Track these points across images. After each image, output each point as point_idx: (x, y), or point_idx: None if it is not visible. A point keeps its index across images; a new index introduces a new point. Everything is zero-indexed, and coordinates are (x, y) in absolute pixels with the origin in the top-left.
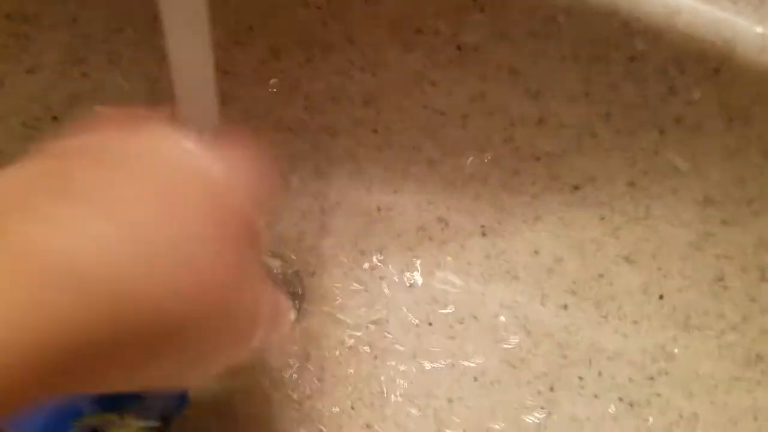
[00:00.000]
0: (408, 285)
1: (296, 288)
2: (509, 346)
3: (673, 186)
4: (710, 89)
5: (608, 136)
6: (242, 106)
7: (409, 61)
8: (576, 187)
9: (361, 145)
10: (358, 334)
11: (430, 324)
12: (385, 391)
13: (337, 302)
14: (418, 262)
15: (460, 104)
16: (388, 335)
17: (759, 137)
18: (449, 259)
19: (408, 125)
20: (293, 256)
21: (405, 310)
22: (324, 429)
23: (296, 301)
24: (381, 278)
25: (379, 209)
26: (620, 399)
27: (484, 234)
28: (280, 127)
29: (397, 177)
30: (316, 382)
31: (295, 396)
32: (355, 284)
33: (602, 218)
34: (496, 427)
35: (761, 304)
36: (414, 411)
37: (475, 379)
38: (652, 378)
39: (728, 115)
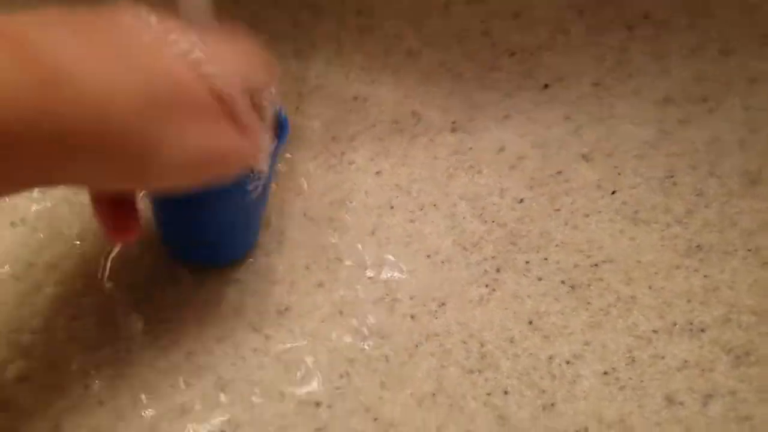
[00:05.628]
0: (375, 172)
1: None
2: (463, 232)
3: (637, 86)
4: None
5: (580, 33)
6: None
7: None
8: (546, 86)
9: (343, 28)
10: (321, 207)
11: (391, 207)
12: (341, 259)
13: (304, 179)
14: (388, 151)
15: None
16: (350, 212)
17: (719, 33)
18: (417, 151)
19: (392, 10)
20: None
21: (369, 192)
22: (277, 283)
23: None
24: (350, 163)
25: (355, 98)
26: (563, 282)
27: (453, 130)
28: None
29: (376, 66)
30: (275, 243)
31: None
32: (323, 165)
33: (567, 118)
34: (441, 296)
35: (706, 198)
36: (366, 277)
37: (428, 256)
38: (596, 265)
39: (691, 10)
